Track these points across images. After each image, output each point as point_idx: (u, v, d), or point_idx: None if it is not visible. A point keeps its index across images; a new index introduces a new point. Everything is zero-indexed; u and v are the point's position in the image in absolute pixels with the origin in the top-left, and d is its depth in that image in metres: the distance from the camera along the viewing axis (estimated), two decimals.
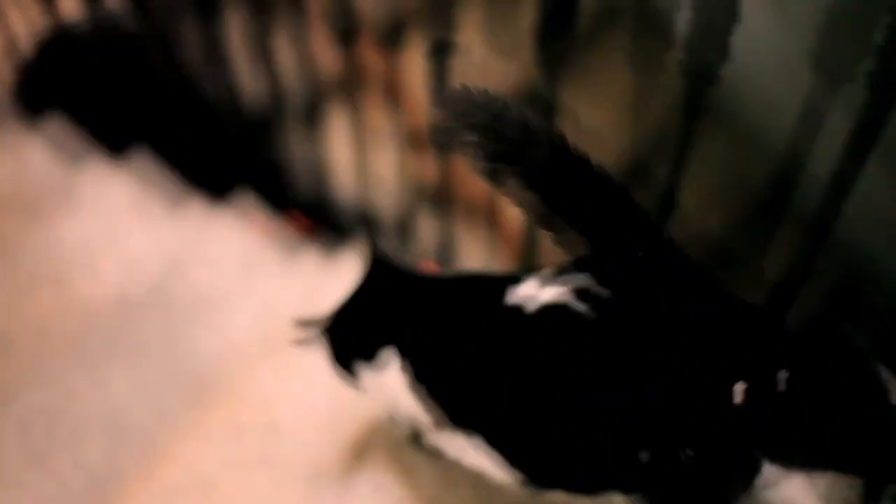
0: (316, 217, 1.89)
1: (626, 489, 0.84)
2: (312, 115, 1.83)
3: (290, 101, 1.87)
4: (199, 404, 1.48)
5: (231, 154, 1.93)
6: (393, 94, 1.64)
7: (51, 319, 1.71)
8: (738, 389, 0.76)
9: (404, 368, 0.93)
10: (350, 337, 0.99)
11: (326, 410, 1.36)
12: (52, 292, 1.74)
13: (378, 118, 1.69)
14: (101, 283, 1.74)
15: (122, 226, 1.83)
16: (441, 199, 1.58)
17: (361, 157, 1.71)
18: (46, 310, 1.72)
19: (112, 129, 1.95)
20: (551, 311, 0.81)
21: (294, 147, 1.90)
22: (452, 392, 0.89)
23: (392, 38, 1.55)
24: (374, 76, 1.68)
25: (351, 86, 1.66)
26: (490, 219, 1.65)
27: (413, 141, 1.67)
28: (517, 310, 0.83)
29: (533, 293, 0.83)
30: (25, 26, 2.01)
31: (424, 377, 0.91)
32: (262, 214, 1.85)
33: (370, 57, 1.65)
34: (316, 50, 1.71)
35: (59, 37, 1.98)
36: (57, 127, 1.99)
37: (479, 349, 0.85)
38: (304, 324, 1.05)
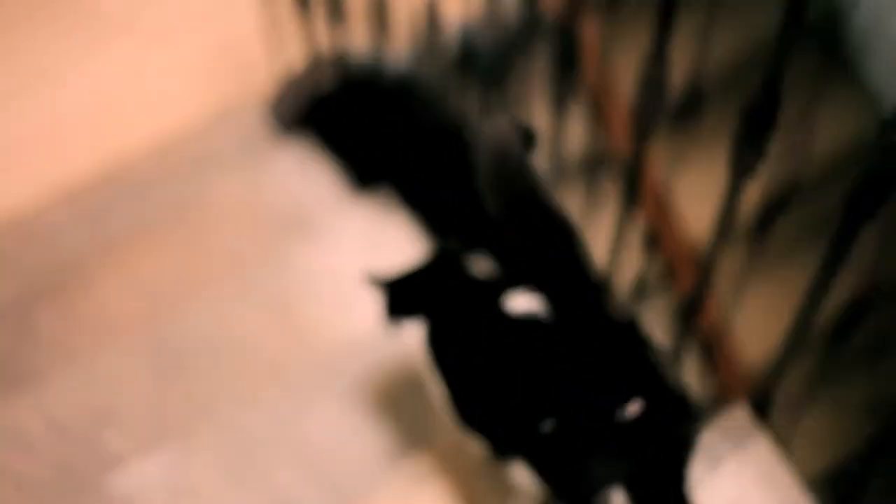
0: None
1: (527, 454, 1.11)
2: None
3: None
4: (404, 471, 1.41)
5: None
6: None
7: (265, 341, 1.69)
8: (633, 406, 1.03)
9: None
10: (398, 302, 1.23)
11: None
12: (277, 316, 1.72)
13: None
14: (326, 316, 1.71)
15: (361, 261, 1.80)
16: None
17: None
18: (263, 331, 1.71)
19: (370, 164, 1.94)
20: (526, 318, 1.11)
21: None
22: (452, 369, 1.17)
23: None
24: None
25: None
26: None
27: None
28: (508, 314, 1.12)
29: (516, 303, 1.11)
30: (302, 43, 2.04)
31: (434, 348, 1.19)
32: None
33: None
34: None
35: (338, 63, 1.98)
36: (306, 147, 2.00)
37: (476, 336, 1.14)
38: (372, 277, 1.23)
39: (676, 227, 1.74)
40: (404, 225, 1.88)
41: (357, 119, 1.96)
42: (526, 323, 1.10)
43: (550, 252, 1.09)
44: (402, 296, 1.21)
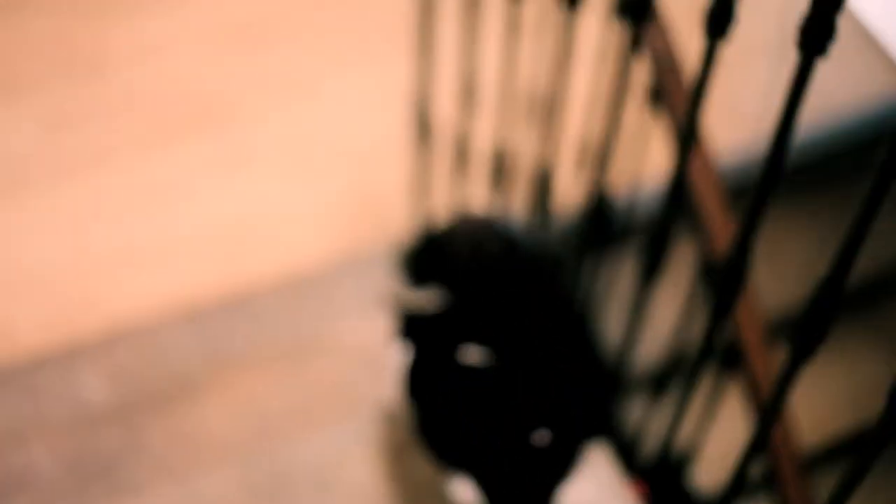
0: (657, 488, 1.77)
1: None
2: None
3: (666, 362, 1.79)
4: None
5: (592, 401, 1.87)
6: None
7: (374, 486, 1.67)
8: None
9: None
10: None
11: None
12: (388, 464, 1.70)
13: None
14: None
15: None
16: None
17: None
18: (372, 476, 1.69)
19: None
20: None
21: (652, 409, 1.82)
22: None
23: None
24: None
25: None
26: None
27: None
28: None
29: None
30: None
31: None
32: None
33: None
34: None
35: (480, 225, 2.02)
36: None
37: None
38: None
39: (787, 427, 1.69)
40: None
41: (488, 287, 1.98)
42: (477, 370, 1.42)
43: (502, 313, 1.48)
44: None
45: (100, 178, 2.44)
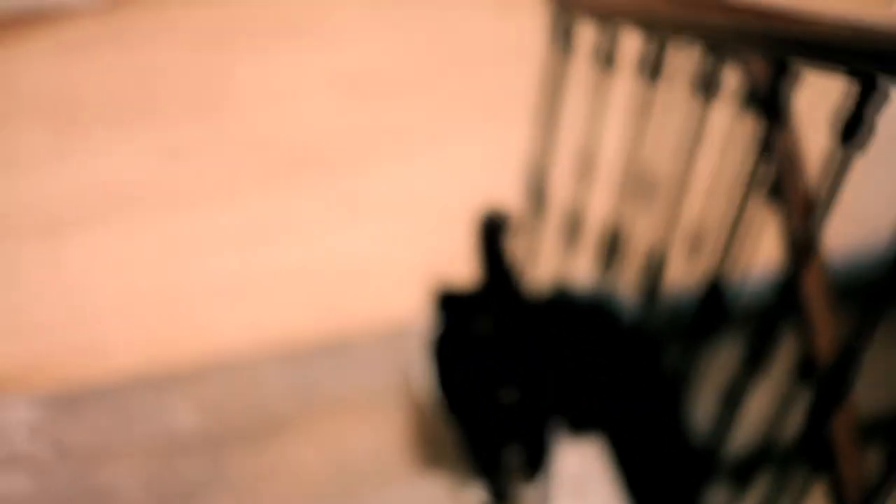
0: None
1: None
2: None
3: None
4: None
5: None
6: None
7: None
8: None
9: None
10: None
11: None
12: None
13: None
14: None
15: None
16: None
17: None
18: None
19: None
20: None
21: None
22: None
23: None
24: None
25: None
26: None
27: None
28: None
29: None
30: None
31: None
32: None
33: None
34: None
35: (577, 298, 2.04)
36: None
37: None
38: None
39: None
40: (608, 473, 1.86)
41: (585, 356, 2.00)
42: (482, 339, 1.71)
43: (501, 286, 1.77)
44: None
45: (211, 210, 2.51)
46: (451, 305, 1.83)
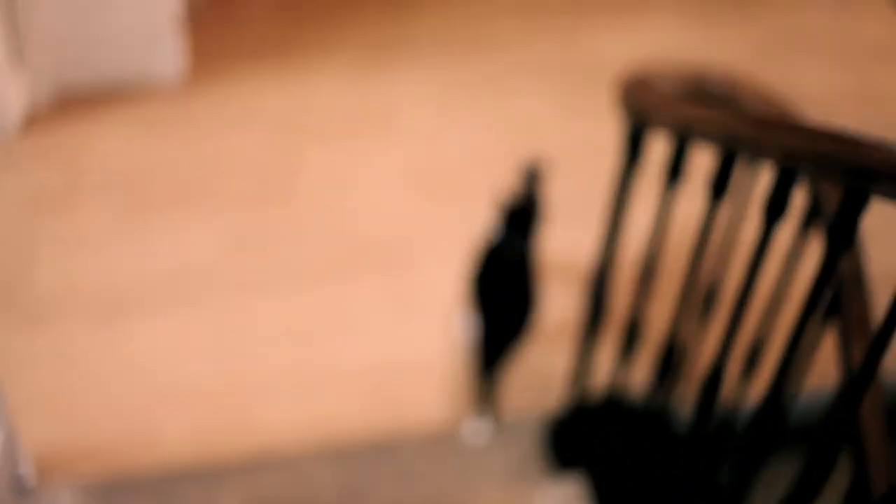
0: None
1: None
2: None
3: None
4: None
5: None
6: None
7: None
8: None
9: None
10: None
11: None
12: None
13: None
14: None
15: None
16: None
17: None
18: None
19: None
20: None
21: None
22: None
23: None
24: None
25: None
26: None
27: None
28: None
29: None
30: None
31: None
32: None
33: None
34: None
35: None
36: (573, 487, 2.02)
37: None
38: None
39: None
40: None
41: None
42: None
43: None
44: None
45: (270, 300, 2.54)
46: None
